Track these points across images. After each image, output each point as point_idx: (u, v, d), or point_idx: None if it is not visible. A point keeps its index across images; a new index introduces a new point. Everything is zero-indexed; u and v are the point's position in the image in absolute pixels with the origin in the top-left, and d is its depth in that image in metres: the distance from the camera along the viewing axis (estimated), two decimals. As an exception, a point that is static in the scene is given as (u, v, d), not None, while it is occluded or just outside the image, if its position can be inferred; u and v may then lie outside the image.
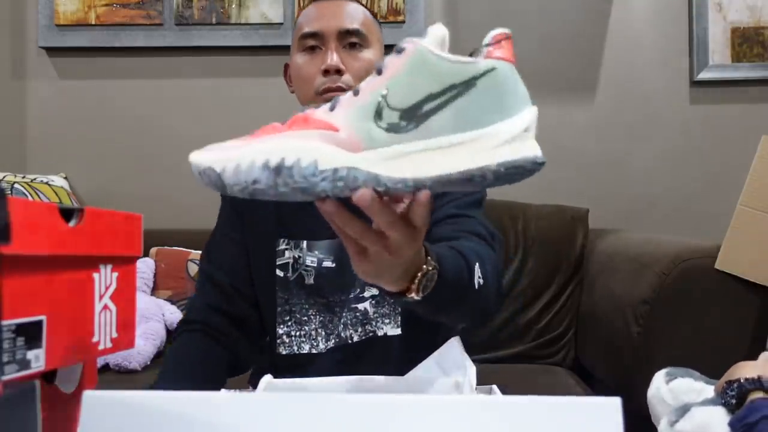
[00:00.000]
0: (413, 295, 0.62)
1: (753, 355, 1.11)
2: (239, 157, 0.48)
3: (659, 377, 1.14)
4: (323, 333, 1.00)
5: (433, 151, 0.48)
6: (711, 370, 1.08)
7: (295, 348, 1.00)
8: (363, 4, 1.04)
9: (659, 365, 1.20)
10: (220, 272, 1.03)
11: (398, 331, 0.97)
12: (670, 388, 1.09)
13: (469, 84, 0.48)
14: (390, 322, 0.98)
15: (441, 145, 0.48)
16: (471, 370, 0.79)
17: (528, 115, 0.49)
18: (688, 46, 2.10)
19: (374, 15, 1.05)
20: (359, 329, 0.98)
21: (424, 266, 0.61)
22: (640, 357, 1.34)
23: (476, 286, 0.74)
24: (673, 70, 2.11)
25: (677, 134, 2.11)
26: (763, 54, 2.08)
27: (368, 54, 0.99)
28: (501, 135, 0.48)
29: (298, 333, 1.01)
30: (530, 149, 0.48)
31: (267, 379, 0.69)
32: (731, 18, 2.07)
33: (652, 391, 1.12)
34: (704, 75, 2.07)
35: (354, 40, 0.98)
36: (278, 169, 0.47)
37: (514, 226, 1.83)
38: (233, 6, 2.08)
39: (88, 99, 2.12)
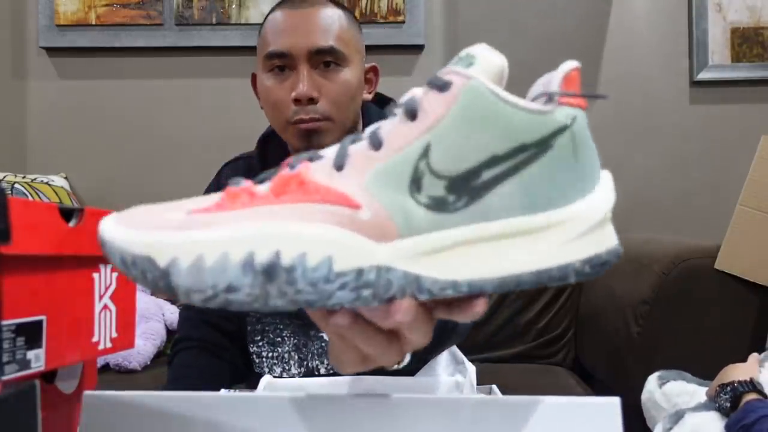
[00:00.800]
0: (395, 366, 0.52)
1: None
2: (199, 246, 0.31)
3: (652, 381, 1.14)
4: (296, 357, 0.92)
5: (495, 241, 0.34)
6: (710, 370, 1.08)
7: (266, 370, 0.93)
8: (339, 4, 0.91)
9: (659, 365, 1.20)
10: None
11: None
12: (663, 392, 1.09)
13: (545, 144, 0.34)
14: None
15: (505, 233, 0.34)
16: (471, 370, 0.79)
17: (607, 187, 0.36)
18: (687, 47, 2.10)
19: (353, 16, 0.92)
20: (325, 361, 0.90)
21: None
22: (640, 357, 1.35)
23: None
24: (672, 71, 2.11)
25: (677, 134, 2.11)
26: (762, 54, 2.08)
27: (346, 74, 0.87)
28: (585, 218, 0.35)
29: (270, 354, 0.93)
30: (611, 237, 0.36)
31: (267, 379, 0.69)
32: (731, 18, 2.07)
33: (645, 396, 1.12)
34: (704, 75, 2.07)
35: (328, 59, 0.86)
36: (270, 271, 0.31)
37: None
38: (233, 6, 2.08)
39: (88, 99, 2.12)
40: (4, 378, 0.39)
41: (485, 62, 0.35)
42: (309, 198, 0.32)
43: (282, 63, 0.87)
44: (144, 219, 0.33)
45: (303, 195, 0.33)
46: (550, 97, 0.35)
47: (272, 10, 0.91)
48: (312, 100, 0.85)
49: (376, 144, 0.34)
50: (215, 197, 0.34)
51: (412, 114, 0.34)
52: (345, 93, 0.87)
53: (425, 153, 0.33)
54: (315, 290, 0.31)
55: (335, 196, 0.33)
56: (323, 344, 0.91)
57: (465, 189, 0.33)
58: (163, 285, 0.31)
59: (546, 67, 0.40)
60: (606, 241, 0.35)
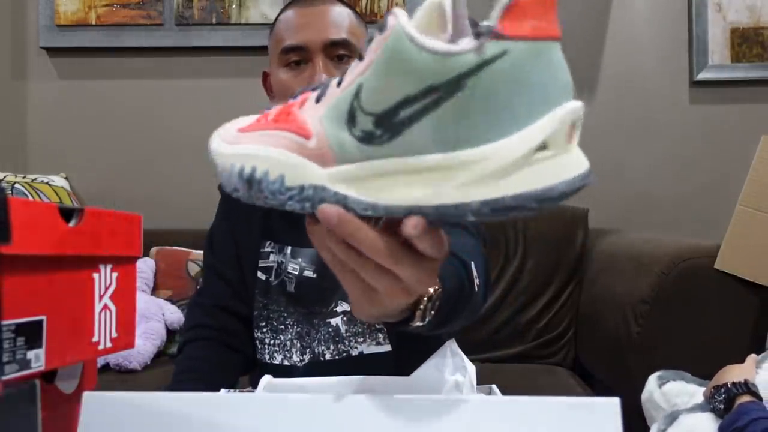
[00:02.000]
0: (417, 322, 0.52)
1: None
2: (225, 158, 0.43)
3: (652, 381, 1.14)
4: (298, 345, 0.93)
5: (409, 174, 0.37)
6: (710, 370, 1.08)
7: (267, 357, 0.95)
8: (346, 3, 0.95)
9: (659, 365, 1.20)
10: (225, 266, 0.99)
11: (376, 349, 0.91)
12: (663, 392, 1.09)
13: (455, 85, 0.34)
14: (364, 341, 0.91)
15: (418, 168, 0.36)
16: (471, 370, 0.79)
17: (551, 122, 0.34)
18: (687, 47, 2.10)
19: (359, 14, 0.96)
20: (331, 347, 0.92)
21: (429, 289, 0.52)
22: (640, 357, 1.35)
23: (476, 288, 0.67)
24: (672, 70, 2.11)
25: (677, 134, 2.11)
26: (762, 54, 2.08)
27: None
28: (492, 160, 0.35)
29: (272, 341, 0.95)
30: (523, 182, 0.35)
31: (267, 379, 0.69)
32: (731, 18, 2.07)
33: (645, 396, 1.12)
34: (704, 75, 2.07)
35: (342, 51, 0.90)
36: (250, 181, 0.41)
37: (513, 225, 1.83)
38: (233, 6, 2.08)
39: (88, 99, 2.12)
40: (5, 378, 0.39)
41: (427, 2, 0.38)
42: (284, 126, 0.41)
43: (298, 57, 0.90)
44: (226, 131, 0.46)
45: (284, 123, 0.42)
46: (477, 34, 0.35)
47: (283, 9, 0.95)
48: None
49: (339, 81, 0.40)
50: (258, 115, 0.45)
51: (361, 56, 0.38)
52: None
53: (358, 92, 0.38)
54: (274, 198, 0.41)
55: (297, 127, 0.41)
56: (330, 330, 0.92)
57: (388, 125, 0.37)
58: (221, 179, 0.44)
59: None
60: (517, 185, 0.34)
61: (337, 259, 0.42)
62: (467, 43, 0.35)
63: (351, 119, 0.38)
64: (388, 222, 0.40)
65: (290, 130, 0.41)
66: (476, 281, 0.67)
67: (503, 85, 0.34)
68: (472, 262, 0.66)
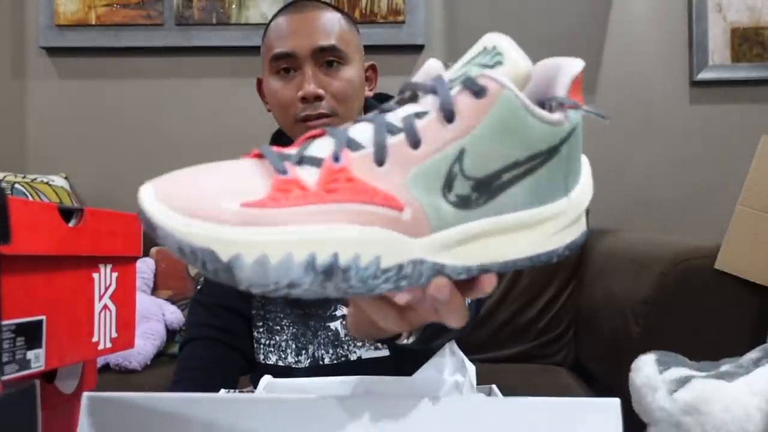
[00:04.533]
0: (404, 340, 0.53)
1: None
2: (263, 247, 0.33)
3: (649, 365, 1.12)
4: (294, 346, 0.93)
5: (503, 232, 0.38)
6: (711, 370, 1.08)
7: (262, 357, 0.95)
8: (337, 8, 0.95)
9: (659, 365, 1.19)
10: None
11: (375, 354, 0.91)
12: (664, 379, 1.08)
13: (555, 150, 0.38)
14: (363, 345, 0.91)
15: (513, 226, 0.38)
16: (471, 370, 0.79)
17: (587, 175, 0.42)
18: (687, 47, 2.10)
19: (351, 19, 0.96)
20: (330, 351, 0.92)
21: None
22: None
23: (469, 302, 0.66)
24: (672, 71, 2.11)
25: (677, 134, 2.11)
26: (762, 54, 2.08)
27: (348, 71, 0.91)
28: (572, 209, 0.40)
29: (268, 342, 0.95)
30: (584, 222, 0.42)
31: (267, 378, 0.69)
32: (731, 18, 2.07)
33: (641, 380, 1.11)
34: (704, 75, 2.07)
35: (330, 57, 0.90)
36: (329, 271, 0.34)
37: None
38: (233, 6, 2.08)
39: (88, 99, 2.12)
40: (4, 378, 0.39)
41: (512, 64, 0.37)
42: (358, 198, 0.35)
43: (287, 64, 0.91)
44: (192, 202, 0.34)
45: (352, 194, 0.35)
46: (559, 104, 0.38)
47: (274, 16, 0.95)
48: (318, 98, 0.89)
49: (414, 141, 0.36)
50: (260, 186, 0.35)
51: (448, 115, 0.36)
52: (348, 89, 0.91)
53: (460, 157, 0.36)
54: (364, 285, 0.35)
55: (383, 198, 0.35)
56: (329, 333, 0.92)
57: (486, 189, 0.37)
58: (224, 276, 0.33)
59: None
60: (582, 226, 0.41)
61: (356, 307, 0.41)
62: (559, 113, 0.38)
63: (448, 185, 0.36)
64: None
65: (372, 202, 0.35)
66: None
67: (577, 148, 0.39)
68: None
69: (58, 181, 2.01)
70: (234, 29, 2.08)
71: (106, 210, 0.52)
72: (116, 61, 2.12)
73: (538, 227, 0.39)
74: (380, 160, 0.36)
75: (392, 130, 0.37)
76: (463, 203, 0.37)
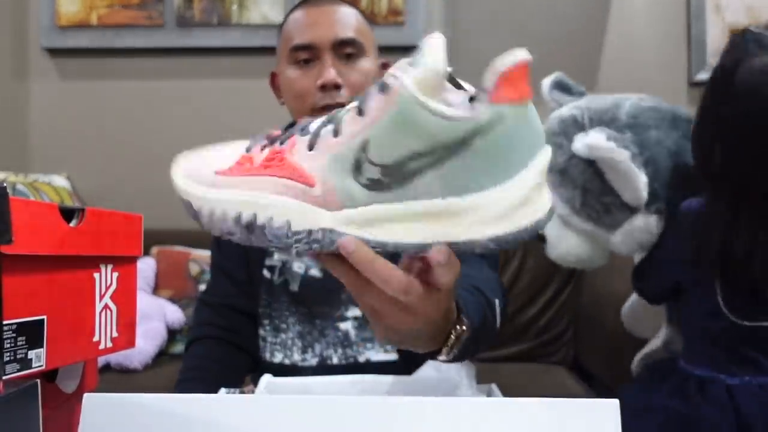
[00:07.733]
0: (443, 357, 0.55)
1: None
2: (212, 203, 0.44)
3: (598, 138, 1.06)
4: (299, 344, 0.94)
5: (418, 217, 0.41)
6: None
7: (267, 355, 0.96)
8: (353, 5, 0.98)
9: (659, 365, 1.19)
10: (233, 264, 1.00)
11: (384, 357, 0.92)
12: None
13: (462, 144, 0.40)
14: (373, 347, 0.92)
15: (426, 212, 0.41)
16: (471, 370, 0.79)
17: (533, 171, 0.41)
18: (686, 47, 2.10)
19: (365, 15, 0.98)
20: (339, 351, 0.93)
21: (458, 327, 0.54)
22: (640, 357, 1.34)
23: (497, 324, 0.70)
24: (671, 71, 2.11)
25: (677, 135, 2.11)
26: (763, 54, 2.08)
27: (365, 63, 0.93)
28: (495, 204, 0.41)
29: (273, 340, 0.96)
30: (522, 218, 0.41)
31: (267, 378, 0.69)
32: (729, 19, 2.07)
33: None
34: (703, 76, 2.07)
35: (349, 50, 0.92)
36: (250, 227, 0.43)
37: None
38: (234, 7, 2.08)
39: (89, 99, 2.12)
40: (5, 377, 0.40)
41: (425, 64, 0.40)
42: (281, 173, 0.43)
43: (307, 55, 0.92)
44: (193, 167, 0.47)
45: (279, 171, 0.43)
46: (475, 96, 0.40)
47: (291, 11, 0.97)
48: (337, 87, 0.90)
49: (336, 132, 0.42)
50: (232, 158, 0.46)
51: (361, 111, 0.42)
52: (365, 81, 0.92)
53: (364, 146, 0.41)
54: (280, 242, 0.43)
55: (299, 176, 0.43)
56: (339, 334, 0.93)
57: (395, 174, 0.41)
58: (197, 222, 0.46)
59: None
60: (513, 223, 0.41)
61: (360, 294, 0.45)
62: (467, 107, 0.40)
63: (357, 168, 0.41)
64: (390, 257, 0.43)
65: (290, 177, 0.43)
66: (498, 318, 0.69)
67: (501, 143, 0.40)
68: (496, 300, 0.69)
69: (60, 181, 2.01)
70: (235, 30, 2.08)
71: (107, 210, 0.52)
72: (117, 62, 2.12)
73: (453, 216, 0.41)
74: (311, 146, 0.43)
75: (331, 121, 0.43)
76: (375, 185, 0.41)
